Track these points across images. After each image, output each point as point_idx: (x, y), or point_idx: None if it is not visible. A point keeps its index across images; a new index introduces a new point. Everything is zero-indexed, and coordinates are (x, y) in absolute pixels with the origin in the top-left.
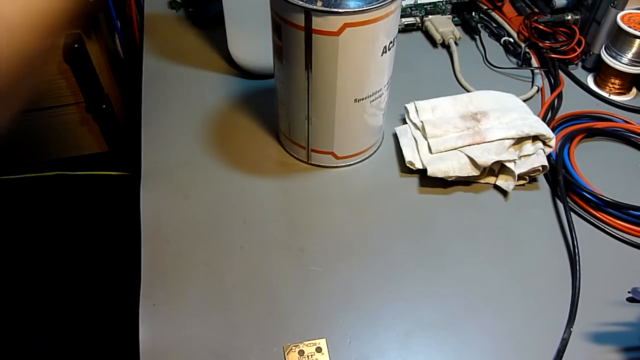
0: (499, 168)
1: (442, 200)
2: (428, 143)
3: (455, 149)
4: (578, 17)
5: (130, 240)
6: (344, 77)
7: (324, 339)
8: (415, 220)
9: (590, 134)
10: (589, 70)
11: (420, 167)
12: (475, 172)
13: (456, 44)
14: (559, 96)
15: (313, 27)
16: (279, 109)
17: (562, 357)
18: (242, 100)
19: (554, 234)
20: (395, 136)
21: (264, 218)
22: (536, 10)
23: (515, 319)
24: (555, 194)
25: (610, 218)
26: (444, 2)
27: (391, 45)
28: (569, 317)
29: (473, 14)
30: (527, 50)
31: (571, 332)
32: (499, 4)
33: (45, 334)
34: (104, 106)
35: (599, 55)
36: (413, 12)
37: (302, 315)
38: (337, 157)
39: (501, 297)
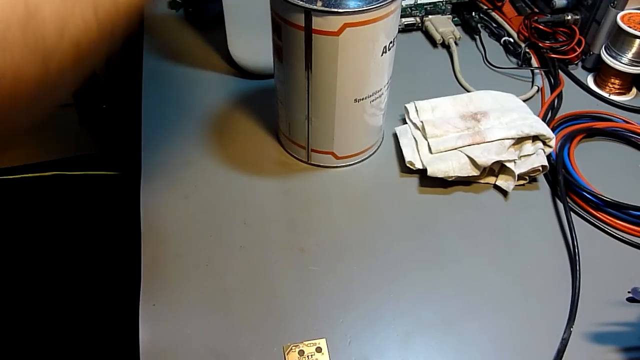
0: (499, 168)
1: (442, 200)
2: (428, 143)
3: (455, 149)
4: (578, 17)
5: (130, 241)
6: (344, 77)
7: (324, 339)
8: (415, 220)
9: (590, 134)
10: (589, 70)
11: (420, 167)
12: (475, 172)
13: (456, 44)
14: (559, 96)
15: (313, 27)
16: (279, 109)
17: (562, 357)
18: (242, 100)
19: (554, 234)
20: (395, 136)
21: (264, 218)
22: (536, 10)
23: (515, 319)
24: (555, 194)
25: (610, 218)
26: (444, 2)
27: (391, 45)
28: (569, 317)
29: (473, 14)
30: (527, 50)
31: (571, 332)
32: (499, 4)
33: (44, 335)
34: (104, 106)
35: (599, 55)
36: (413, 12)
37: (302, 315)
38: (337, 157)
39: (501, 297)
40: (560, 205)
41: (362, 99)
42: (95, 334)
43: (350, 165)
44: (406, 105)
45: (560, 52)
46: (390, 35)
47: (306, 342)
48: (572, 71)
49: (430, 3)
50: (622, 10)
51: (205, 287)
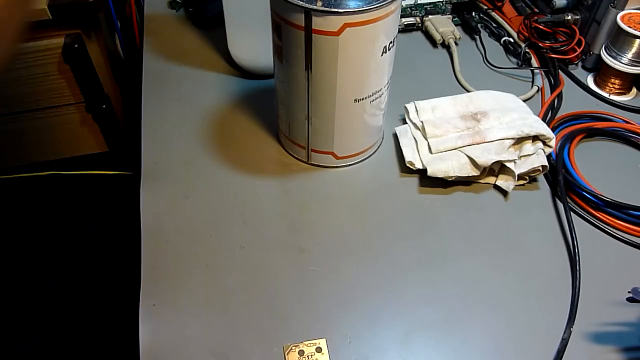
0: (499, 168)
1: (442, 200)
2: (428, 143)
3: (455, 149)
4: (578, 17)
5: (130, 240)
6: (344, 77)
7: (324, 339)
8: (415, 220)
9: (590, 134)
10: (589, 70)
11: (420, 167)
12: (475, 172)
13: (456, 44)
14: (559, 96)
15: (313, 27)
16: (279, 109)
17: (562, 357)
18: (242, 100)
19: (554, 234)
20: (395, 136)
21: (264, 218)
22: (536, 10)
23: (516, 319)
24: (555, 194)
25: (610, 218)
26: (444, 2)
27: (391, 45)
28: (569, 317)
29: (473, 14)
30: (527, 50)
31: (571, 332)
32: (499, 4)
33: (44, 335)
34: (104, 106)
35: (599, 55)
36: (413, 12)
37: (302, 315)
38: (337, 157)
39: (501, 297)
40: (560, 205)
41: (362, 99)
42: (95, 334)
43: (350, 165)
44: (406, 105)
45: (560, 52)
46: (390, 35)
47: (306, 342)
48: (572, 71)
49: (430, 3)
50: (622, 10)
51: (205, 287)
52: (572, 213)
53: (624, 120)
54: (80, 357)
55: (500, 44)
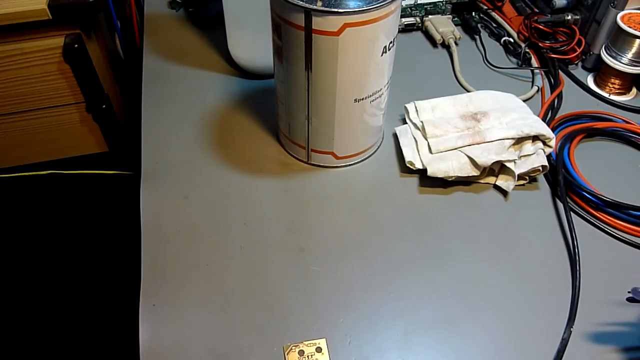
0: (499, 168)
1: (442, 200)
2: (428, 143)
3: (455, 149)
4: (578, 17)
5: (130, 240)
6: (343, 77)
7: (324, 339)
8: (415, 220)
9: (590, 134)
10: (589, 70)
11: (420, 167)
12: (475, 172)
13: (456, 44)
14: (559, 96)
15: (313, 27)
16: (279, 109)
17: (562, 357)
18: (242, 100)
19: (554, 234)
20: (395, 136)
21: (264, 218)
22: (536, 10)
23: (515, 319)
24: (555, 194)
25: (610, 218)
26: (444, 2)
27: (391, 45)
28: (569, 317)
29: (473, 14)
30: (527, 50)
31: (571, 332)
32: (499, 4)
33: (43, 335)
34: (104, 106)
35: (599, 55)
36: (413, 12)
37: (302, 315)
38: (337, 157)
39: (501, 297)
40: (560, 205)
41: (362, 99)
42: (95, 334)
43: (350, 165)
44: (406, 105)
45: (560, 52)
46: (390, 35)
47: (306, 342)
48: (572, 71)
49: (430, 3)
50: (622, 10)
51: (205, 287)
52: (572, 213)
53: (624, 120)
54: (80, 357)
55: (500, 44)
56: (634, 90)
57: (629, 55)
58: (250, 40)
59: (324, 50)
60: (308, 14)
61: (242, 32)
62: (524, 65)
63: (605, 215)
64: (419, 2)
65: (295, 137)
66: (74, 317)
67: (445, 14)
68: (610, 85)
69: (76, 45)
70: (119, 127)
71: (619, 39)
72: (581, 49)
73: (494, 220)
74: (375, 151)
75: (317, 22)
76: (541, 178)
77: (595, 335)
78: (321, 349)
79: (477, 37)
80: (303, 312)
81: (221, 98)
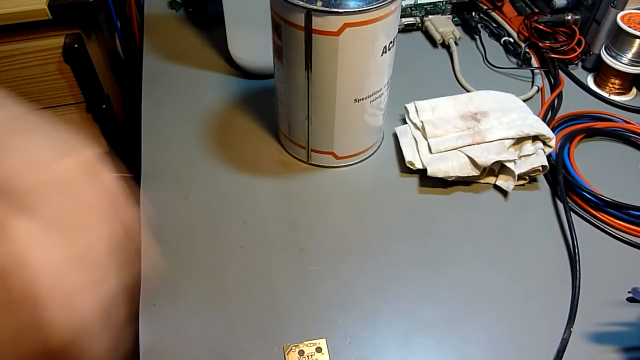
0: (499, 168)
1: (442, 200)
2: (428, 143)
3: (455, 149)
4: (578, 17)
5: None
6: (343, 77)
7: (324, 339)
8: (415, 220)
9: (590, 134)
10: (589, 70)
11: (420, 167)
12: (475, 172)
13: (456, 44)
14: (559, 96)
15: (313, 27)
16: (279, 109)
17: (562, 357)
18: (242, 100)
19: (554, 234)
20: (395, 136)
21: (264, 218)
22: (536, 10)
23: (515, 319)
24: (555, 194)
25: (610, 218)
26: (444, 2)
27: (391, 45)
28: (569, 317)
29: (473, 14)
30: (527, 50)
31: (571, 332)
32: (499, 4)
33: None
34: (104, 106)
35: (599, 55)
36: (413, 12)
37: (302, 315)
38: (337, 157)
39: (501, 297)
40: (560, 205)
41: (362, 99)
42: None
43: (350, 165)
44: (406, 105)
45: (560, 52)
46: (390, 35)
47: (306, 342)
48: (572, 71)
49: (430, 3)
50: (622, 10)
51: (205, 287)
52: (572, 213)
53: (624, 120)
54: None
55: (500, 44)
56: (634, 90)
57: (629, 55)
58: (250, 40)
59: (324, 50)
60: (308, 14)
61: (242, 32)
62: (524, 65)
63: (605, 215)
64: (419, 2)
65: (295, 137)
66: None
67: (445, 14)
68: (610, 85)
69: (76, 45)
70: (119, 127)
71: (619, 39)
72: (581, 49)
73: (494, 220)
74: (375, 151)
75: (317, 22)
76: (541, 178)
77: (595, 335)
78: (321, 349)
79: (477, 37)
80: (303, 312)
81: (221, 98)
